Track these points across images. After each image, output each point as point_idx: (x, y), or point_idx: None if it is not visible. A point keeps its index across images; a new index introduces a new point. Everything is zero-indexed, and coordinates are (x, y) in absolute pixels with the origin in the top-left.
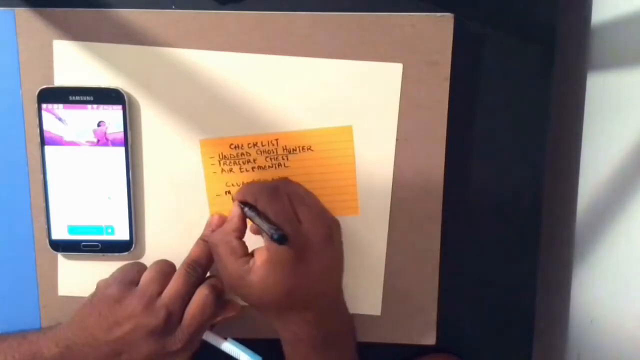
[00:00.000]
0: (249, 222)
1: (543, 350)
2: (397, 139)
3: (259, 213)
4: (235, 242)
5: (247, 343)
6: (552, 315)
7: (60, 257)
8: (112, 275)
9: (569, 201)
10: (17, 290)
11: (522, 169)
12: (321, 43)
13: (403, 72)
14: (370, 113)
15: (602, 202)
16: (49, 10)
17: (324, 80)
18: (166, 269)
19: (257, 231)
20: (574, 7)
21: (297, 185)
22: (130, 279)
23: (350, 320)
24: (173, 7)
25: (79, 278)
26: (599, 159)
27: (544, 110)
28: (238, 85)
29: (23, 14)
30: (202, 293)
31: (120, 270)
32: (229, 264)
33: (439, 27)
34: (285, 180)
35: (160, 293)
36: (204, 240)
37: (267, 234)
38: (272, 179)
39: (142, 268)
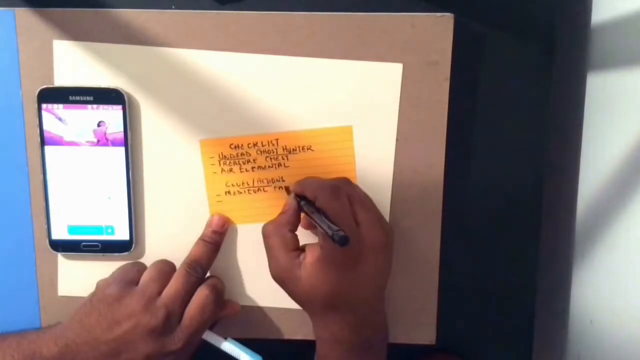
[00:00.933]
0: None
1: (543, 350)
2: (397, 139)
3: (317, 210)
4: (288, 235)
5: (247, 343)
6: (552, 315)
7: (60, 257)
8: (112, 275)
9: (569, 201)
10: (17, 290)
11: (522, 169)
12: (321, 43)
13: (403, 72)
14: (370, 113)
15: (602, 202)
16: (48, 10)
17: (324, 80)
18: (166, 268)
19: (308, 226)
20: (574, 7)
21: (357, 187)
22: (130, 278)
23: (386, 328)
24: (173, 7)
25: (79, 278)
26: (599, 159)
27: (544, 110)
28: (238, 86)
29: (23, 14)
30: (202, 293)
31: (120, 269)
32: (280, 256)
33: (439, 27)
34: (345, 180)
35: (160, 293)
36: (204, 240)
37: (325, 232)
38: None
39: (142, 268)
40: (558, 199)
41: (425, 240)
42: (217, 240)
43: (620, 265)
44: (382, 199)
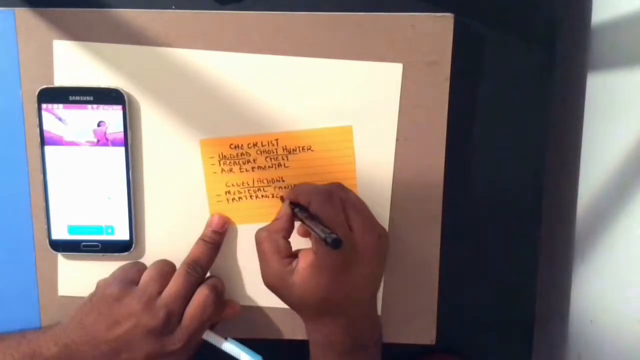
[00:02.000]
0: (296, 224)
1: (543, 350)
2: (397, 139)
3: (311, 215)
4: (281, 242)
5: (247, 343)
6: (552, 315)
7: (60, 257)
8: (112, 275)
9: (569, 201)
10: (17, 290)
11: (522, 169)
12: (321, 43)
13: (403, 72)
14: (371, 113)
15: (602, 202)
16: (48, 10)
17: (324, 81)
18: (166, 268)
19: (305, 234)
20: (574, 7)
21: (351, 191)
22: (130, 278)
23: (380, 329)
24: (173, 7)
25: (79, 278)
26: (599, 159)
27: (544, 110)
28: (238, 86)
29: (23, 14)
30: (202, 293)
31: (121, 269)
32: (272, 262)
33: (439, 27)
34: (339, 185)
35: (160, 292)
36: (204, 240)
37: (319, 237)
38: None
39: (142, 268)
40: (558, 199)
41: (425, 241)
42: (217, 240)
43: (620, 265)
44: (382, 199)
